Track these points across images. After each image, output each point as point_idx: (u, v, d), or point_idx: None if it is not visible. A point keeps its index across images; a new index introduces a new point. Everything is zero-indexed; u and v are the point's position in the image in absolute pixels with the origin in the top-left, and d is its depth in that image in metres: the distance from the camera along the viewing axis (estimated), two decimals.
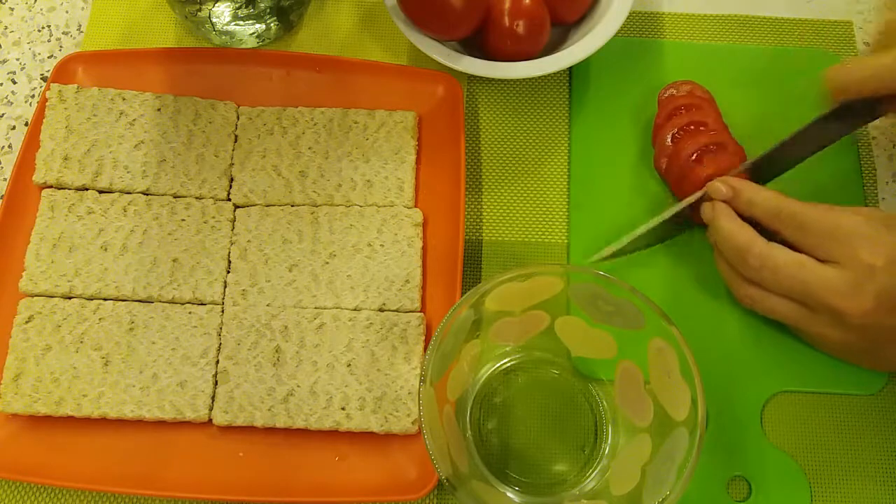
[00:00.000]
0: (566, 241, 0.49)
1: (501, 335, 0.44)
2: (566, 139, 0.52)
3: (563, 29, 0.54)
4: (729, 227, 0.44)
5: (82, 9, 0.57)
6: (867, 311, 0.40)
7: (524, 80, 0.54)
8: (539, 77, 0.52)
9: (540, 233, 0.50)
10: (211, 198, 0.48)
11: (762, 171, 0.47)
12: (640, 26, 0.56)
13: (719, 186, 0.45)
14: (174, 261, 0.47)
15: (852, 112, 0.44)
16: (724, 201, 0.45)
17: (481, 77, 0.51)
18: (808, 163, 0.47)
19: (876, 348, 0.43)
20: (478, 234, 0.50)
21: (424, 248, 0.47)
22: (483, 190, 0.51)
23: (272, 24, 0.54)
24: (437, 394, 0.39)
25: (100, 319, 0.45)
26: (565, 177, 0.51)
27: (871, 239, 0.40)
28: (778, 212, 0.43)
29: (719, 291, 0.47)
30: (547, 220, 0.50)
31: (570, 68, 0.54)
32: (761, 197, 0.43)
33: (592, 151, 0.52)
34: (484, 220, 0.50)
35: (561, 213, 0.50)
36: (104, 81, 0.51)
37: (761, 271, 0.42)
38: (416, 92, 0.51)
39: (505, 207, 0.50)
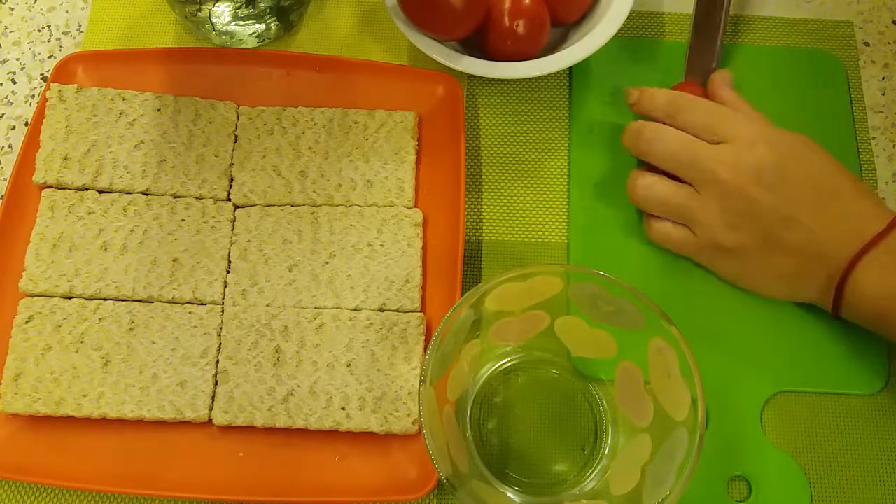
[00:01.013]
0: (566, 241, 0.49)
1: (501, 335, 0.44)
2: (566, 139, 0.52)
3: (563, 29, 0.54)
4: (637, 108, 0.49)
5: (82, 9, 0.57)
6: (746, 181, 0.43)
7: (524, 80, 0.54)
8: (539, 77, 0.52)
9: (540, 233, 0.50)
10: (211, 198, 0.48)
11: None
12: (641, 26, 0.56)
13: (631, 90, 0.49)
14: (174, 261, 0.47)
15: None
16: (633, 104, 0.49)
17: (481, 77, 0.51)
18: None
19: (769, 246, 0.44)
20: (478, 234, 0.50)
21: (424, 248, 0.47)
22: (483, 190, 0.51)
23: (272, 24, 0.54)
24: (437, 394, 0.39)
25: (100, 319, 0.45)
26: (565, 177, 0.51)
27: (753, 124, 0.45)
28: (674, 98, 0.47)
29: (719, 291, 0.47)
30: (547, 220, 0.50)
31: (571, 68, 0.54)
32: (661, 91, 0.48)
33: (592, 151, 0.52)
34: (484, 220, 0.50)
35: (561, 213, 0.50)
36: (104, 81, 0.51)
37: (653, 143, 0.46)
38: (416, 92, 0.51)
39: (505, 207, 0.50)
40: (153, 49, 0.53)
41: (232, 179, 0.49)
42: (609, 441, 0.43)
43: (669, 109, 0.47)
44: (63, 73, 0.51)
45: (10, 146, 0.53)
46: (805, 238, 0.43)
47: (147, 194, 0.48)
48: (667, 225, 0.47)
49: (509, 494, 0.42)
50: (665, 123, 0.47)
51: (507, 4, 0.49)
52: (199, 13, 0.52)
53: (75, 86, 0.50)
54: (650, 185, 0.47)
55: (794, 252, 0.44)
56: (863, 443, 0.45)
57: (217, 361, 0.45)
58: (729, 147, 0.44)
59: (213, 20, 0.52)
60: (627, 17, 0.50)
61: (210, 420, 0.44)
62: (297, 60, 0.52)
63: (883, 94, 0.54)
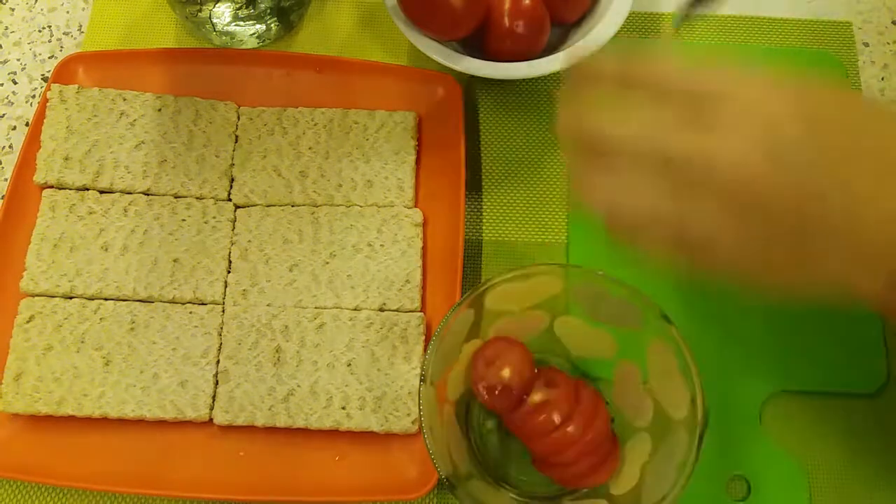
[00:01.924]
0: (566, 241, 0.50)
1: (501, 335, 0.44)
2: None
3: (563, 29, 0.53)
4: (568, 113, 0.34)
5: (83, 9, 0.57)
6: (758, 167, 0.30)
7: (524, 80, 0.54)
8: (539, 77, 0.52)
9: (540, 233, 0.50)
10: (211, 198, 0.48)
11: None
12: (640, 26, 0.56)
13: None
14: (175, 261, 0.47)
15: None
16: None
17: (481, 77, 0.51)
18: None
19: (778, 235, 0.31)
20: (478, 234, 0.50)
21: (424, 248, 0.47)
22: (483, 190, 0.51)
23: (272, 25, 0.54)
24: (437, 393, 0.39)
25: (101, 319, 0.45)
26: (565, 177, 0.51)
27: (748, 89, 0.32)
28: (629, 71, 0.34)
29: (720, 291, 0.47)
30: (547, 220, 0.50)
31: None
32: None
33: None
34: (484, 220, 0.50)
35: (561, 213, 0.50)
36: (105, 82, 0.51)
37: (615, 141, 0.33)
38: (416, 92, 0.51)
39: (505, 207, 0.51)
40: (154, 49, 0.53)
41: (232, 180, 0.49)
42: None
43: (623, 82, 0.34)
44: (64, 73, 0.51)
45: (10, 146, 0.53)
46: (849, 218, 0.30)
47: (148, 194, 0.48)
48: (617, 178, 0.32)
49: (509, 494, 0.42)
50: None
51: (507, 5, 0.49)
52: (199, 14, 0.52)
53: (76, 86, 0.50)
54: (607, 189, 0.33)
55: (834, 234, 0.30)
56: (862, 442, 0.45)
57: (218, 361, 0.45)
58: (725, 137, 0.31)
59: (214, 21, 0.52)
60: (627, 18, 0.50)
61: (211, 420, 0.44)
62: (297, 61, 0.52)
63: (882, 94, 0.54)
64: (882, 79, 0.54)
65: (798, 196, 0.30)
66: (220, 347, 0.45)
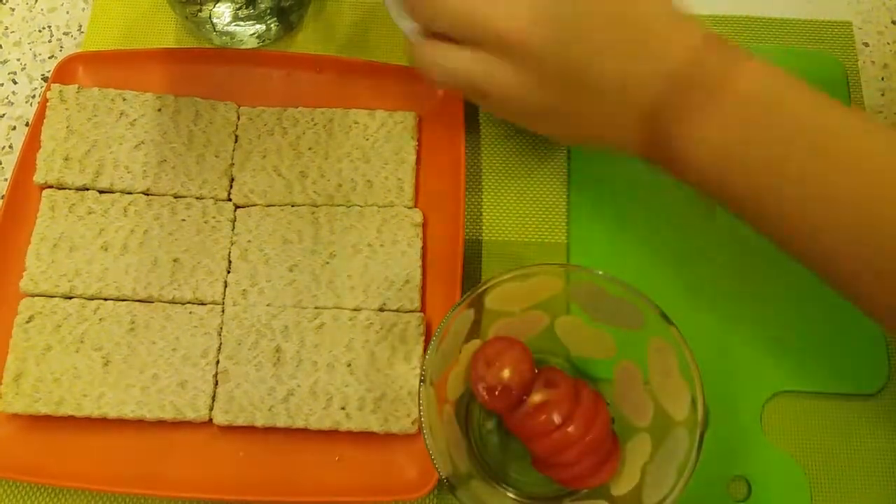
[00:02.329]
0: (566, 241, 0.49)
1: (501, 335, 0.44)
2: None
3: None
4: None
5: (83, 9, 0.57)
6: (522, 28, 0.36)
7: None
8: None
9: (540, 233, 0.50)
10: (211, 198, 0.48)
11: None
12: None
13: None
14: (175, 261, 0.47)
15: None
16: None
17: None
18: None
19: (553, 91, 0.38)
20: (478, 235, 0.50)
21: (424, 249, 0.47)
22: (483, 190, 0.51)
23: (272, 25, 0.54)
24: (437, 393, 0.39)
25: (100, 319, 0.45)
26: (565, 176, 0.51)
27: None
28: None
29: (720, 291, 0.47)
30: (547, 220, 0.50)
31: None
32: None
33: (592, 151, 0.52)
34: (484, 221, 0.50)
35: (561, 214, 0.50)
36: (105, 82, 0.51)
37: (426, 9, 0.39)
38: (416, 92, 0.51)
39: (505, 207, 0.50)
40: (154, 49, 0.53)
41: (232, 180, 0.49)
42: None
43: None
44: (64, 73, 0.51)
45: (10, 146, 0.53)
46: (606, 76, 0.36)
47: (147, 194, 0.48)
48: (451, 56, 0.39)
49: (509, 494, 0.42)
50: None
51: None
52: (199, 14, 0.52)
53: (76, 86, 0.50)
54: (431, 53, 0.40)
55: (597, 94, 0.37)
56: (863, 443, 0.45)
57: (217, 361, 0.45)
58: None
59: (214, 21, 0.52)
60: None
61: (210, 420, 0.44)
62: (297, 61, 0.52)
63: (882, 95, 0.54)
64: (882, 79, 0.54)
65: (562, 52, 0.36)
66: (219, 348, 0.45)
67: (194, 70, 0.52)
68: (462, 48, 0.39)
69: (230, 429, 0.44)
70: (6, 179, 0.51)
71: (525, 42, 0.36)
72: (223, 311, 0.46)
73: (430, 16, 0.39)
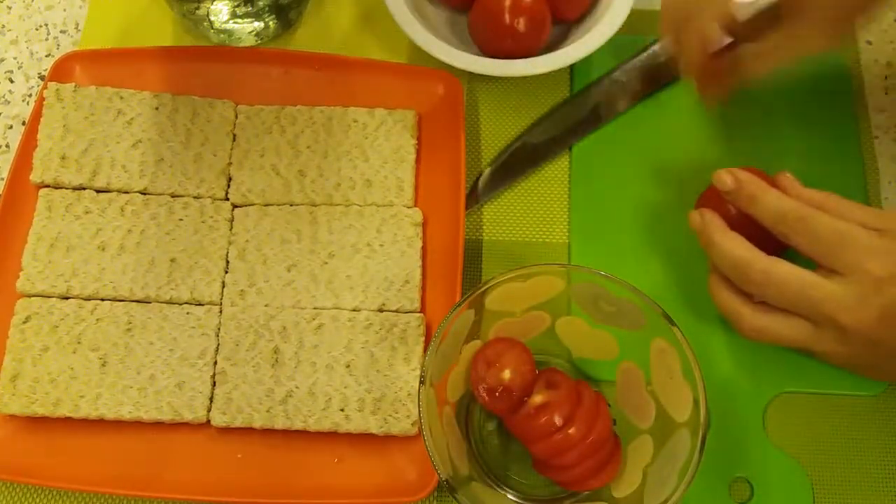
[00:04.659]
0: (567, 241, 0.49)
1: (502, 336, 0.43)
2: None
3: (564, 27, 0.53)
4: (725, 242, 0.42)
5: (80, 7, 0.56)
6: (871, 325, 0.39)
7: (525, 78, 0.53)
8: (540, 75, 0.51)
9: (540, 233, 0.50)
10: (209, 197, 0.48)
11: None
12: (641, 25, 0.55)
13: (724, 177, 0.43)
14: (172, 261, 0.46)
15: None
16: (727, 193, 0.43)
17: (482, 75, 0.50)
18: (810, 163, 0.47)
19: (881, 362, 0.42)
20: (478, 234, 0.49)
21: (424, 248, 0.47)
22: None
23: (271, 23, 0.53)
24: (437, 395, 0.39)
25: (97, 320, 0.45)
26: (566, 176, 0.51)
27: (879, 251, 0.40)
28: (783, 215, 0.41)
29: None
30: (547, 220, 0.50)
31: (572, 66, 0.53)
32: (765, 196, 0.42)
33: (593, 150, 0.51)
34: (484, 220, 0.50)
35: (562, 213, 0.50)
36: (101, 80, 0.51)
37: (765, 287, 0.41)
38: (415, 90, 0.51)
39: (505, 207, 0.50)
40: (151, 48, 0.53)
41: (230, 179, 0.49)
42: None
43: (779, 226, 0.42)
44: (60, 71, 0.51)
45: (7, 146, 0.52)
46: None
47: (145, 194, 0.48)
48: (770, 320, 0.42)
49: (509, 496, 0.42)
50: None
51: (508, 2, 0.49)
52: (197, 11, 0.52)
53: (73, 85, 0.50)
54: (763, 330, 0.42)
55: None
56: (866, 444, 0.44)
57: (215, 362, 0.44)
58: (851, 286, 0.39)
59: (212, 18, 0.52)
60: (628, 16, 0.49)
61: (208, 421, 0.43)
62: (295, 59, 0.52)
63: (886, 93, 0.53)
64: (886, 77, 0.54)
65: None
66: (217, 348, 0.45)
67: (192, 68, 0.52)
68: (789, 317, 0.42)
69: (228, 430, 0.44)
70: (3, 179, 0.51)
71: (867, 335, 0.40)
72: (221, 312, 0.45)
73: (760, 293, 0.42)
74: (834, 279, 0.40)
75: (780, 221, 0.42)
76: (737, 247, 0.42)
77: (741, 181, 0.43)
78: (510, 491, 0.42)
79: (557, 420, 0.38)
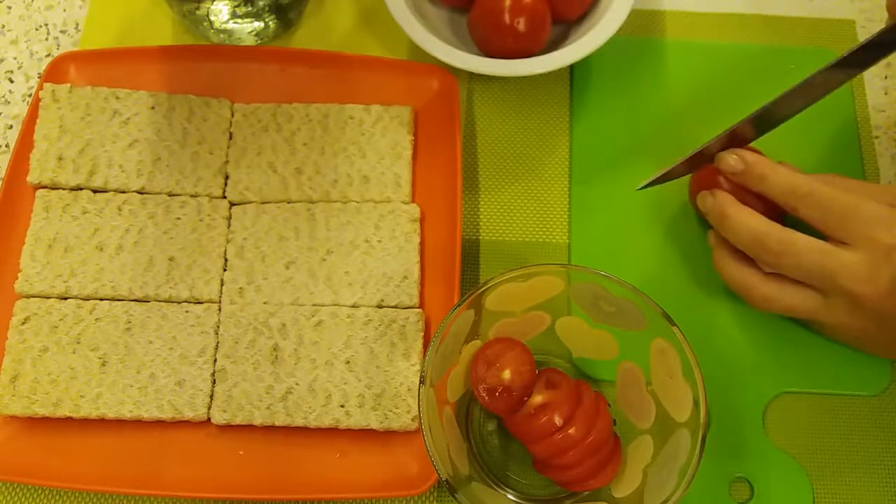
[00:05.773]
0: (567, 241, 0.49)
1: (502, 336, 0.43)
2: (567, 138, 0.52)
3: (564, 27, 0.53)
4: (740, 215, 0.43)
5: (80, 7, 0.56)
6: (882, 294, 0.39)
7: (525, 77, 0.53)
8: (540, 75, 0.51)
9: (540, 233, 0.49)
10: (206, 196, 0.48)
11: (763, 123, 0.45)
12: (642, 24, 0.55)
13: (729, 159, 0.44)
14: (170, 259, 0.46)
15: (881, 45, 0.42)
16: (734, 174, 0.44)
17: (482, 75, 0.50)
18: (810, 163, 0.47)
19: (888, 338, 0.42)
20: (476, 234, 0.49)
21: (422, 244, 0.47)
22: (482, 189, 0.50)
23: (271, 23, 0.53)
24: (437, 395, 0.38)
25: (96, 320, 0.45)
26: (566, 176, 0.51)
27: (888, 220, 0.40)
28: (793, 189, 0.42)
29: (721, 291, 0.47)
30: (547, 220, 0.50)
31: (572, 66, 0.53)
32: (775, 173, 0.43)
33: (594, 150, 0.51)
34: (482, 220, 0.50)
35: (562, 213, 0.50)
36: (97, 80, 0.51)
37: (782, 257, 0.41)
38: (411, 87, 0.51)
39: (505, 207, 0.50)
40: (145, 47, 0.52)
41: (227, 177, 0.49)
42: None
43: (789, 199, 0.42)
44: (56, 72, 0.51)
45: (7, 146, 0.52)
46: None
47: (142, 193, 0.48)
48: (780, 288, 0.43)
49: (509, 496, 0.41)
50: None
51: (508, 2, 0.49)
52: (197, 11, 0.52)
53: (68, 85, 0.50)
54: (773, 298, 0.43)
55: None
56: (866, 444, 0.44)
57: (215, 360, 0.44)
58: (863, 256, 0.40)
59: (212, 18, 0.52)
60: (629, 15, 0.49)
61: (209, 419, 0.43)
62: (291, 56, 0.52)
63: (885, 94, 0.53)
64: (885, 77, 0.54)
65: None
66: (216, 346, 0.45)
67: (187, 67, 0.52)
68: (798, 287, 0.42)
69: (229, 428, 0.44)
70: (0, 179, 0.51)
71: (878, 305, 0.40)
72: (220, 310, 0.45)
73: (776, 263, 0.42)
74: (847, 249, 0.40)
75: (789, 195, 0.42)
76: (753, 219, 0.42)
77: (749, 162, 0.43)
78: (510, 491, 0.42)
79: (557, 420, 0.38)
